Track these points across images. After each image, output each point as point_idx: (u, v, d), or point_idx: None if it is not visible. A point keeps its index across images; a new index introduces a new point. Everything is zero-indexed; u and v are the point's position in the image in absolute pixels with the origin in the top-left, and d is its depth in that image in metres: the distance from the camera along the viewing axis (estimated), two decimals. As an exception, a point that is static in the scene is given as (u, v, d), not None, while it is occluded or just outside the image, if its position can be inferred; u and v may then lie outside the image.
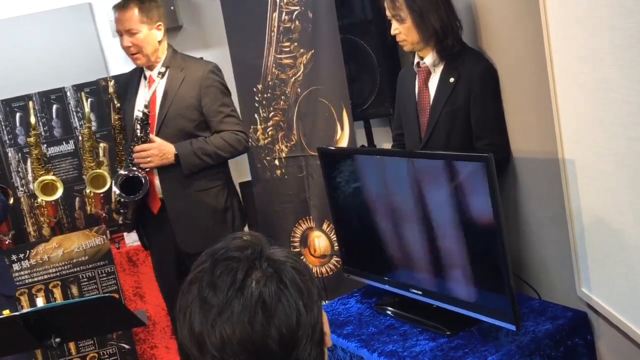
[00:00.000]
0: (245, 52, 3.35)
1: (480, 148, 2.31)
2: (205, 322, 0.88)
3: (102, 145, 3.95)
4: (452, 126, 2.38)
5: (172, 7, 3.83)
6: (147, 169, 2.85)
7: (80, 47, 3.99)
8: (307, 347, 0.90)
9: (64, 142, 4.00)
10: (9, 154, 3.94)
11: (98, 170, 3.81)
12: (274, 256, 0.95)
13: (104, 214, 3.92)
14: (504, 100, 2.33)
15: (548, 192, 2.07)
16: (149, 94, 2.80)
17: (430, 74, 2.46)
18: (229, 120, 2.90)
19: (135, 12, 2.76)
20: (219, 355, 0.87)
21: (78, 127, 3.99)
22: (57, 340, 1.93)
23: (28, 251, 3.64)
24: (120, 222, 3.00)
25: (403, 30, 2.38)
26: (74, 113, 3.99)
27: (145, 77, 2.92)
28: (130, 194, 2.84)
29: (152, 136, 2.82)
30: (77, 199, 4.00)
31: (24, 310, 1.96)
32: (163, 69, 2.81)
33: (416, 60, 2.51)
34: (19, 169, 3.96)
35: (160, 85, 2.81)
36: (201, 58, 3.24)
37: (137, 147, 2.79)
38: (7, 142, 3.94)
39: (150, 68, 2.88)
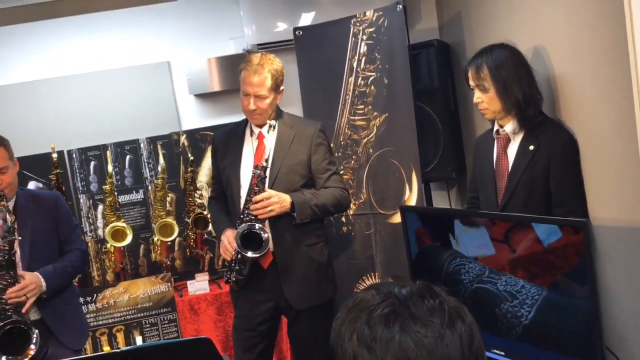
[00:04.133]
0: (319, 113, 3.51)
1: (559, 215, 2.39)
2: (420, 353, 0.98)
3: (170, 195, 4.10)
4: (529, 192, 2.47)
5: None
6: (263, 222, 2.83)
7: (156, 102, 4.20)
8: None
9: (134, 191, 4.17)
10: (81, 200, 4.11)
11: (167, 220, 3.95)
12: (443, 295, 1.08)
13: (167, 262, 4.03)
14: (583, 169, 2.42)
15: (630, 261, 2.12)
16: (267, 150, 2.85)
17: (509, 140, 2.56)
18: (335, 177, 2.96)
19: (268, 80, 2.82)
20: None
21: (148, 177, 4.17)
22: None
23: (96, 294, 3.76)
24: (233, 278, 2.90)
25: (486, 100, 2.50)
26: (146, 164, 4.17)
27: (252, 133, 2.99)
28: (249, 250, 2.80)
29: (268, 189, 2.83)
30: (142, 246, 4.13)
31: (124, 348, 2.05)
32: (274, 126, 2.88)
33: (495, 127, 2.61)
34: (89, 215, 4.12)
35: (270, 141, 2.90)
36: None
37: (258, 197, 2.79)
38: (80, 188, 4.12)
39: (260, 125, 2.96)
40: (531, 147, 2.46)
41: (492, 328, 2.22)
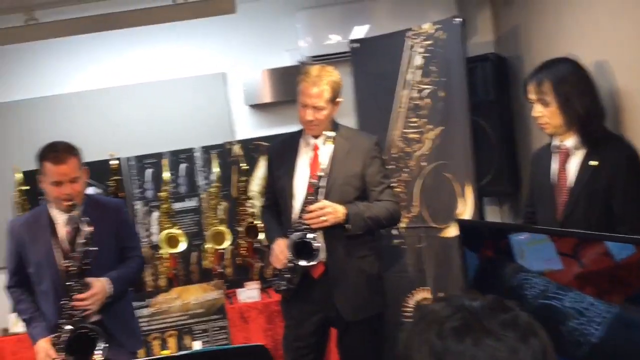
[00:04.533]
0: (373, 124, 3.52)
1: (622, 232, 2.33)
2: None
3: (222, 203, 4.16)
4: (590, 208, 2.42)
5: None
6: (317, 232, 2.83)
7: (211, 112, 4.28)
8: None
9: (187, 199, 4.24)
10: (136, 207, 4.20)
11: (220, 227, 4.01)
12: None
13: (219, 269, 4.09)
14: (647, 186, 2.36)
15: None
16: (323, 160, 2.85)
17: (569, 155, 2.52)
18: (389, 191, 2.96)
19: (326, 91, 2.83)
20: None
21: (202, 186, 4.24)
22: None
23: (149, 300, 3.84)
24: (283, 287, 2.91)
25: (547, 114, 2.47)
26: (200, 172, 4.25)
27: (307, 144, 3.00)
28: (301, 259, 2.81)
29: (323, 200, 2.84)
30: (194, 253, 4.19)
31: (183, 352, 2.09)
32: (330, 137, 2.89)
33: (554, 142, 2.57)
34: (144, 221, 4.21)
35: (326, 152, 2.92)
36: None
37: (312, 207, 2.81)
38: (136, 195, 4.22)
39: (316, 136, 2.97)
40: (593, 163, 2.41)
41: (557, 346, 2.16)
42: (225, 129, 4.29)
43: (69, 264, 2.69)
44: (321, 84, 2.83)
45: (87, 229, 2.67)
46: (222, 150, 4.20)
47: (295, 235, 2.83)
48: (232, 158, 4.18)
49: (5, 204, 4.13)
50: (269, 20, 4.24)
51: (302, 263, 2.81)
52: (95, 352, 2.67)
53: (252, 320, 3.86)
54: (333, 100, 2.87)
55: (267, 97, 4.23)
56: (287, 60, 4.24)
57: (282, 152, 3.08)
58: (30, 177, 3.99)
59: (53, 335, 2.72)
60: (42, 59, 4.22)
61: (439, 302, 1.12)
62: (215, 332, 3.84)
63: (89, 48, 4.20)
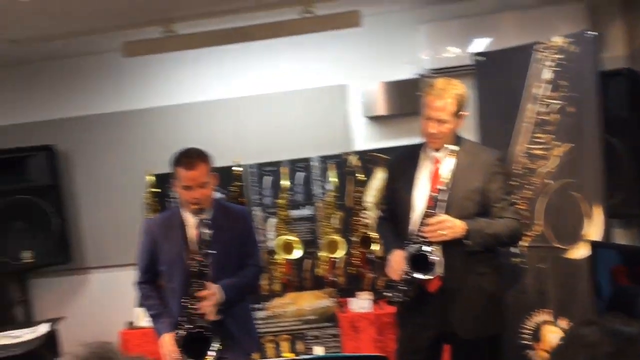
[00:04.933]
0: (495, 139, 3.44)
1: None
2: None
3: (337, 213, 4.22)
4: None
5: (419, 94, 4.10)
6: (434, 245, 2.80)
7: (330, 122, 4.37)
8: None
9: (302, 207, 4.34)
10: (254, 213, 4.34)
11: (334, 237, 4.07)
12: None
13: (331, 278, 4.14)
14: None
15: None
16: (445, 174, 2.82)
17: None
18: (511, 208, 2.88)
19: (451, 104, 2.80)
20: None
21: (317, 194, 4.33)
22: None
23: (264, 303, 3.95)
24: (397, 299, 2.89)
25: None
26: (316, 181, 4.33)
27: (428, 156, 2.98)
28: (417, 272, 2.80)
29: (442, 214, 2.81)
30: (308, 260, 4.27)
31: (306, 356, 2.13)
32: (453, 151, 2.86)
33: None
34: (261, 227, 4.34)
35: (447, 165, 2.90)
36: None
37: (432, 220, 2.79)
38: (254, 201, 4.37)
39: (437, 149, 2.93)
40: None
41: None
42: (343, 139, 4.36)
43: (193, 265, 2.81)
44: (446, 96, 2.80)
45: (207, 231, 2.79)
46: (339, 161, 4.26)
47: (413, 247, 2.81)
48: (349, 169, 4.23)
49: (137, 205, 4.41)
50: (391, 33, 4.27)
51: (418, 276, 2.79)
52: (209, 352, 2.77)
53: (362, 330, 3.88)
54: (457, 114, 2.84)
55: (384, 109, 4.25)
56: (406, 73, 4.25)
57: (402, 163, 3.06)
58: (161, 181, 4.25)
59: (175, 332, 2.86)
60: (175, 69, 4.49)
61: (588, 326, 1.09)
62: (327, 339, 3.89)
63: (217, 60, 4.42)
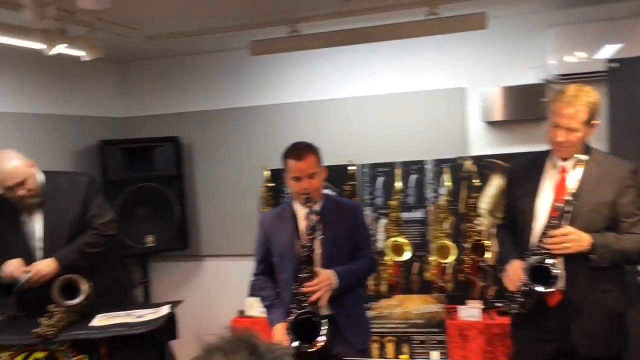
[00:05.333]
0: (626, 149, 3.27)
1: None
2: None
3: (449, 218, 4.15)
4: None
5: (543, 99, 3.96)
6: (557, 258, 2.71)
7: (446, 126, 4.30)
8: None
9: (414, 210, 4.31)
10: (365, 212, 4.34)
11: (446, 241, 4.01)
12: None
13: (440, 283, 4.09)
14: None
15: None
16: (571, 184, 2.71)
17: None
18: None
19: (582, 113, 2.70)
20: None
21: (429, 198, 4.28)
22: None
23: (371, 303, 3.96)
24: (514, 311, 2.81)
25: None
26: (429, 185, 4.29)
27: (554, 165, 2.86)
28: (538, 284, 2.71)
29: (567, 226, 2.71)
30: (416, 263, 4.24)
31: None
32: (582, 161, 2.74)
33: None
34: (371, 227, 4.35)
35: (574, 176, 2.79)
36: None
37: (556, 232, 2.70)
38: (366, 201, 4.39)
39: (565, 158, 2.83)
40: None
41: None
42: (459, 143, 4.28)
43: (302, 253, 2.87)
44: (577, 104, 2.68)
45: (314, 218, 2.85)
46: (454, 165, 4.20)
47: (533, 258, 2.72)
48: (464, 173, 4.15)
49: (253, 198, 4.57)
50: (517, 37, 4.14)
51: (539, 289, 2.70)
52: (319, 338, 2.80)
53: (471, 340, 3.80)
54: (588, 123, 2.72)
55: (504, 114, 4.14)
56: (529, 77, 4.11)
57: (525, 171, 2.97)
58: (276, 175, 4.37)
59: (286, 320, 2.93)
60: (297, 68, 4.60)
61: None
62: (433, 344, 3.85)
63: (338, 60, 4.49)
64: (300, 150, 2.93)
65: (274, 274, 3.11)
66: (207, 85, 4.81)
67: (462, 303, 3.95)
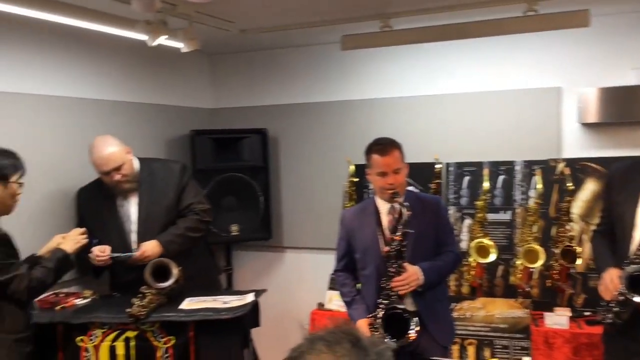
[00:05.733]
0: None
1: None
2: None
3: (539, 221, 4.02)
4: None
5: None
6: None
7: (538, 126, 4.16)
8: None
9: (501, 211, 4.20)
10: (449, 212, 4.29)
11: (534, 245, 3.88)
12: None
13: (525, 288, 3.97)
14: None
15: None
16: None
17: None
18: None
19: None
20: None
21: (518, 200, 4.16)
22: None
23: (454, 304, 3.89)
24: (609, 320, 2.73)
25: None
26: (518, 186, 4.17)
27: None
28: (635, 294, 2.61)
29: None
30: (501, 267, 4.14)
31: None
32: None
33: None
34: (455, 227, 4.28)
35: None
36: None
37: None
38: (451, 200, 4.32)
39: None
40: None
41: None
42: (552, 145, 4.13)
43: (390, 248, 2.86)
44: None
45: (406, 212, 2.82)
46: (546, 167, 4.06)
47: (632, 267, 2.61)
48: (556, 176, 4.01)
49: (336, 193, 4.59)
50: (618, 36, 3.95)
51: (636, 299, 2.59)
52: (410, 332, 2.82)
53: (556, 348, 3.67)
54: None
55: (601, 116, 3.96)
56: (631, 79, 3.91)
57: (626, 176, 2.85)
58: (360, 171, 4.37)
59: (370, 315, 2.93)
60: (387, 63, 4.57)
61: None
62: (517, 351, 3.74)
63: (429, 55, 4.42)
64: (385, 145, 2.93)
65: (355, 271, 3.13)
66: (295, 79, 4.87)
67: (548, 310, 3.82)
